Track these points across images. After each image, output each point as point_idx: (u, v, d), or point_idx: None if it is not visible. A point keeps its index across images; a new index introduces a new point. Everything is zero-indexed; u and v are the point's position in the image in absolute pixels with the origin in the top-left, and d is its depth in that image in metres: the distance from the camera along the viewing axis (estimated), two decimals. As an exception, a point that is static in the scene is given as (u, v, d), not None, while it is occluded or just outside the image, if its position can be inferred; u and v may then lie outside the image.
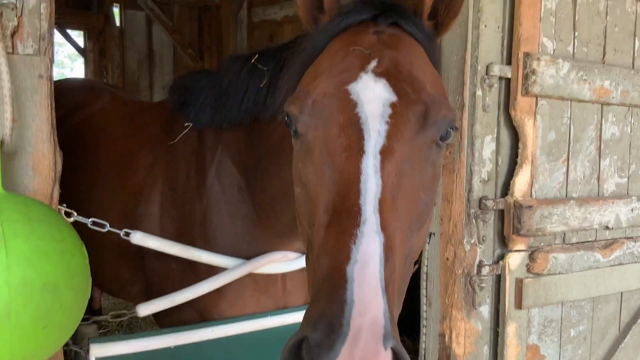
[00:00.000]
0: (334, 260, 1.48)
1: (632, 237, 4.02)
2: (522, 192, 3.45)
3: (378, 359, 1.33)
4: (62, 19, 8.19)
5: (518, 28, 3.37)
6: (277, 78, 2.56)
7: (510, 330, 3.50)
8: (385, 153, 1.66)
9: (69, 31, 8.80)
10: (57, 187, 2.09)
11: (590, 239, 3.85)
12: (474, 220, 3.40)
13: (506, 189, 3.48)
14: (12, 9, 1.95)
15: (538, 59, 3.36)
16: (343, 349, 1.32)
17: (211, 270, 2.91)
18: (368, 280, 1.42)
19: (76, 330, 2.07)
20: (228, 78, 2.88)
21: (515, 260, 3.47)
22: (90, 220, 2.56)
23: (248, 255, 2.94)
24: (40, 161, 2.03)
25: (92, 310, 5.00)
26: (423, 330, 3.64)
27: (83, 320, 1.98)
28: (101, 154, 3.56)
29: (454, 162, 3.37)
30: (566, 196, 3.68)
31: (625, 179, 4.01)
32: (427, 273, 3.59)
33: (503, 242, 3.52)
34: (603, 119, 3.82)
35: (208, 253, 2.90)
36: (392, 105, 1.73)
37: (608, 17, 3.78)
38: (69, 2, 8.39)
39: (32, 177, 2.02)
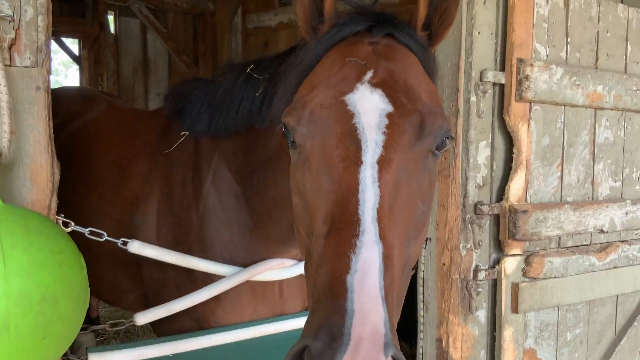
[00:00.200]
0: (334, 270, 1.50)
1: (626, 241, 4.04)
2: (517, 196, 3.47)
3: None
4: (57, 27, 8.19)
5: (511, 34, 3.39)
6: (273, 87, 2.57)
7: (507, 334, 3.51)
8: (382, 163, 1.68)
9: (63, 39, 8.80)
10: (55, 197, 2.10)
11: (585, 243, 3.86)
12: (469, 226, 3.41)
13: (501, 194, 3.49)
14: (10, 22, 1.96)
15: (531, 65, 3.38)
16: (344, 358, 1.33)
17: (208, 278, 2.92)
18: (368, 289, 1.44)
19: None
20: (224, 87, 2.89)
21: (511, 265, 3.49)
22: (88, 229, 2.57)
23: (245, 263, 2.95)
24: (38, 172, 2.03)
25: (89, 319, 5.00)
26: (420, 335, 3.65)
27: (81, 329, 1.99)
28: (97, 163, 3.57)
29: (449, 167, 3.38)
30: (561, 200, 3.69)
31: (619, 183, 4.03)
32: (423, 278, 3.60)
33: (499, 246, 3.53)
34: (596, 124, 3.84)
35: (205, 261, 2.91)
36: (389, 116, 1.75)
37: (600, 23, 3.80)
38: (64, 10, 8.40)
39: (29, 188, 2.02)
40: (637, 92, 3.96)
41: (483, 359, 3.60)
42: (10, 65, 1.96)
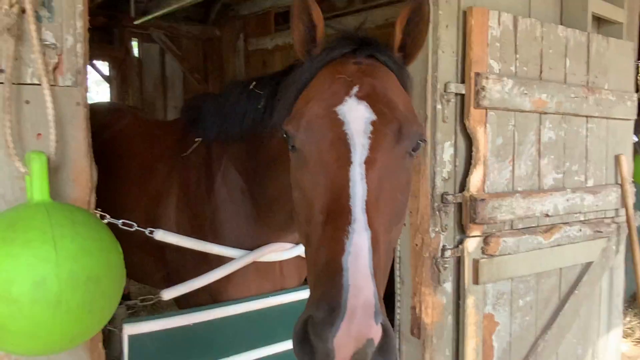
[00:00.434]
0: (331, 252, 1.51)
1: (568, 223, 4.08)
2: (476, 187, 3.50)
3: (371, 332, 1.38)
4: (90, 52, 8.13)
5: (469, 52, 3.42)
6: (272, 101, 2.57)
7: (470, 302, 3.54)
8: (369, 163, 1.69)
9: (95, 62, 8.76)
10: (93, 195, 2.10)
11: (533, 225, 3.90)
12: (437, 212, 3.44)
13: (463, 186, 3.53)
14: (54, 49, 1.97)
15: (487, 78, 3.41)
16: (342, 325, 1.36)
17: (220, 260, 2.92)
18: (360, 268, 1.46)
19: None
20: (230, 100, 2.89)
21: (472, 244, 3.52)
22: (120, 221, 2.58)
23: (251, 247, 2.95)
24: (80, 174, 2.04)
25: (122, 295, 4.96)
26: (397, 304, 3.68)
27: (116, 304, 2.01)
28: (126, 165, 3.56)
29: (420, 164, 3.41)
30: (513, 190, 3.73)
31: (561, 175, 4.07)
32: (400, 257, 3.63)
33: (462, 229, 3.56)
34: (541, 126, 3.87)
35: (218, 246, 2.91)
36: (373, 123, 1.77)
37: (543, 42, 3.83)
38: (95, 37, 8.33)
39: (73, 187, 2.03)
40: (575, 98, 3.99)
41: (450, 323, 3.63)
42: (54, 85, 1.97)
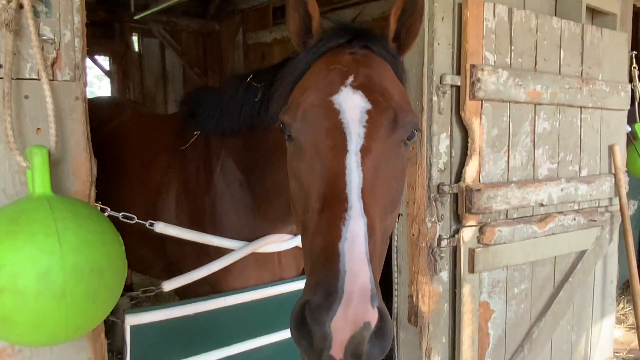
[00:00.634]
0: (327, 238, 1.51)
1: (562, 212, 4.08)
2: (472, 178, 3.50)
3: (367, 315, 1.37)
4: (91, 47, 8.09)
5: (465, 44, 3.41)
6: (269, 94, 2.57)
7: (466, 290, 3.55)
8: (364, 151, 1.69)
9: (96, 56, 8.74)
10: (93, 188, 2.09)
11: (528, 215, 3.91)
12: (433, 203, 3.44)
13: (459, 176, 3.53)
14: (52, 44, 1.96)
15: (482, 69, 3.41)
16: (339, 309, 1.36)
17: (220, 252, 2.92)
18: (356, 253, 1.45)
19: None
20: (228, 94, 2.88)
21: (468, 234, 3.53)
22: (121, 214, 2.58)
23: (250, 238, 2.95)
24: (79, 168, 2.04)
25: (125, 286, 4.97)
26: (395, 293, 3.69)
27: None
28: (126, 159, 3.55)
29: (417, 155, 3.40)
30: (508, 180, 3.73)
31: (556, 165, 4.07)
32: (397, 247, 3.63)
33: (458, 219, 3.57)
34: (536, 116, 3.87)
35: (217, 237, 2.91)
36: (368, 112, 1.76)
37: (538, 33, 3.82)
38: (96, 33, 8.34)
39: (73, 181, 2.03)
40: (569, 89, 3.98)
41: (446, 311, 3.64)
42: (53, 80, 1.96)
